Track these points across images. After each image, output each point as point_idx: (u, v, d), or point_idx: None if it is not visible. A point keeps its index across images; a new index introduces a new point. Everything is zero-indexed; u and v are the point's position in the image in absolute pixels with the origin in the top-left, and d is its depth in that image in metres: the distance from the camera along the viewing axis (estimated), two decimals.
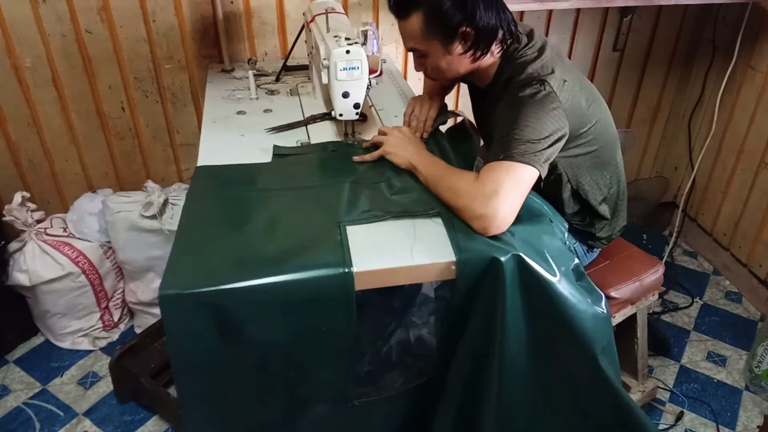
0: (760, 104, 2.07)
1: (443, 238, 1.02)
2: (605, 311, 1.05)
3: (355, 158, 1.28)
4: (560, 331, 1.03)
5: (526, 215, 1.09)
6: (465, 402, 1.13)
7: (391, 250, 1.00)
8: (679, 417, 1.74)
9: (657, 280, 1.50)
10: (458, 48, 1.20)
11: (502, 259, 0.97)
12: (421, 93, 1.54)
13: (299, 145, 1.36)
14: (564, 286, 1.01)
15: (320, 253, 0.97)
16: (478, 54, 1.21)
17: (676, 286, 2.26)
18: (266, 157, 1.31)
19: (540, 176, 1.09)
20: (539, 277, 1.00)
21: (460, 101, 2.18)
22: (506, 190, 1.03)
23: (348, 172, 1.23)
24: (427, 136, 1.38)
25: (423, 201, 1.12)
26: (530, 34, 1.25)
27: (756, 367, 1.81)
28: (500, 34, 1.21)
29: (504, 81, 1.22)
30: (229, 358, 0.99)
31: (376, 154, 1.27)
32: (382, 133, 1.32)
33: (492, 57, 1.24)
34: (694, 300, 2.20)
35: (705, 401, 1.80)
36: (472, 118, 1.48)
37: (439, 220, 1.06)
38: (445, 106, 1.47)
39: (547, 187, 1.27)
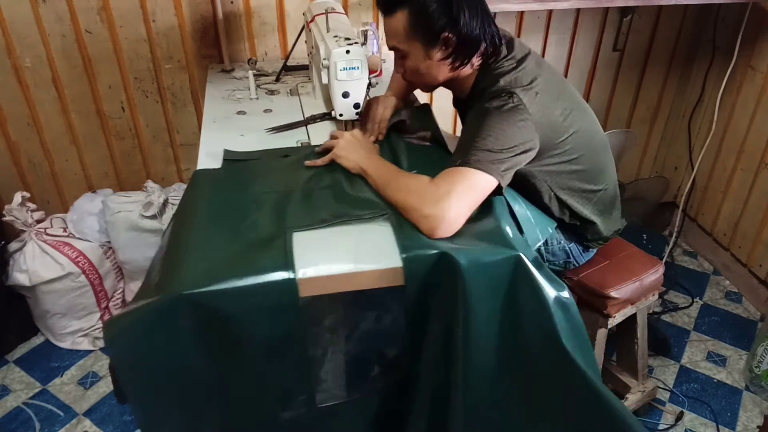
0: (760, 104, 2.07)
1: (390, 242, 1.01)
2: (569, 297, 1.04)
3: (307, 162, 1.26)
4: (526, 321, 1.03)
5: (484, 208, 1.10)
6: (435, 401, 1.12)
7: (338, 256, 0.99)
8: (679, 417, 1.74)
9: (657, 280, 1.50)
10: (438, 54, 1.20)
11: (455, 255, 0.96)
12: (420, 96, 1.55)
13: (300, 145, 1.36)
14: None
15: (265, 260, 0.96)
16: (458, 63, 1.21)
17: (676, 286, 2.26)
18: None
19: (500, 185, 1.08)
20: (507, 269, 0.99)
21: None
22: (458, 194, 1.03)
23: (298, 178, 1.21)
24: (382, 138, 1.36)
25: (373, 205, 1.10)
26: (510, 45, 1.25)
27: (756, 367, 1.81)
28: (482, 46, 1.20)
29: (479, 92, 1.22)
30: (186, 370, 0.98)
31: (327, 158, 1.25)
32: (333, 137, 1.30)
33: (471, 68, 1.24)
34: (694, 300, 2.21)
35: (705, 401, 1.80)
36: (446, 125, 1.47)
37: (387, 225, 1.05)
38: (402, 107, 1.46)
39: (525, 195, 1.27)
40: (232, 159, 1.29)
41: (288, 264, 0.95)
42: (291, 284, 0.94)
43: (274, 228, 1.04)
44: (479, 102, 1.18)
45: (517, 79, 1.17)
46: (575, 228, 1.39)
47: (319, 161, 1.26)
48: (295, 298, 0.94)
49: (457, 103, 1.44)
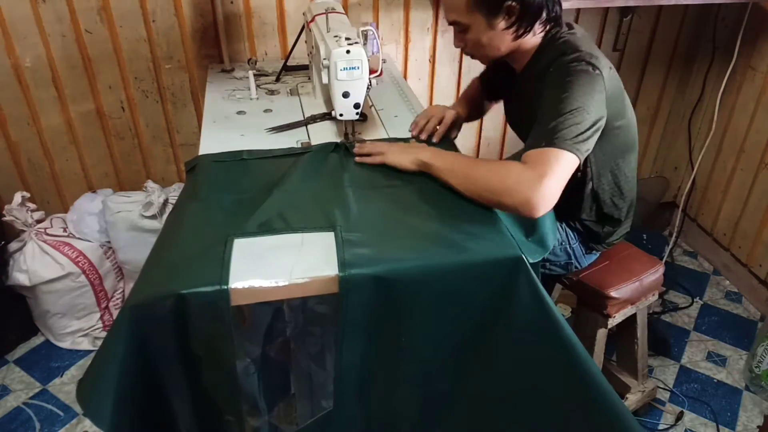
0: (760, 104, 2.07)
1: (330, 252, 0.98)
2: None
3: (357, 159, 1.25)
4: (520, 322, 1.02)
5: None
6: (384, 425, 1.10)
7: (274, 265, 0.96)
8: (679, 417, 1.74)
9: (657, 280, 1.50)
10: (501, 23, 1.19)
11: (394, 276, 0.95)
12: (420, 96, 1.54)
13: (299, 145, 1.36)
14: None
15: (200, 268, 0.95)
16: (521, 31, 1.21)
17: (676, 286, 2.26)
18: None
19: (579, 165, 1.09)
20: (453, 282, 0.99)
21: None
22: (554, 174, 1.04)
23: (249, 185, 1.19)
24: (437, 140, 1.36)
25: (329, 218, 1.07)
26: (569, 24, 1.26)
27: (756, 367, 1.81)
28: (545, 13, 1.20)
29: (548, 61, 1.20)
30: (135, 378, 0.96)
31: (377, 159, 1.23)
32: (378, 152, 1.26)
33: (534, 37, 1.23)
34: (694, 300, 2.20)
35: (705, 401, 1.80)
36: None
37: (331, 237, 1.02)
38: (461, 119, 1.45)
39: (570, 184, 1.24)
40: (192, 167, 1.27)
41: (223, 273, 0.93)
42: (223, 294, 0.91)
43: (215, 234, 1.02)
44: (551, 68, 1.17)
45: (593, 51, 1.17)
46: (591, 228, 1.38)
47: (369, 160, 1.24)
48: (226, 308, 0.92)
49: (506, 82, 1.41)
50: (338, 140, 1.37)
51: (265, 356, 1.12)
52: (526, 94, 1.26)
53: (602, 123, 1.13)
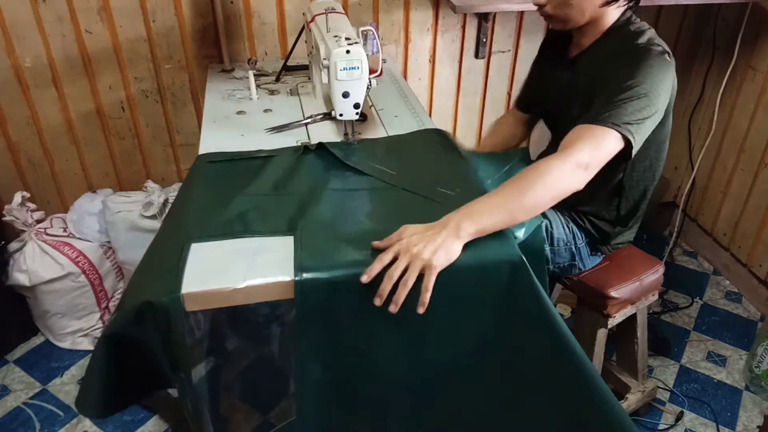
0: (760, 104, 2.07)
1: (288, 257, 0.96)
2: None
3: (374, 243, 0.99)
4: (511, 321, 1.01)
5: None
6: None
7: (229, 269, 0.94)
8: (679, 417, 1.74)
9: (657, 280, 1.50)
10: None
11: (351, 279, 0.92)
12: (420, 96, 1.53)
13: (299, 144, 1.36)
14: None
15: (157, 275, 0.94)
16: None
17: (676, 286, 2.26)
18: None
19: (630, 146, 1.07)
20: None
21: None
22: (588, 147, 1.03)
23: (234, 187, 1.16)
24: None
25: (282, 219, 1.05)
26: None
27: (756, 367, 1.81)
28: None
29: (617, 44, 1.19)
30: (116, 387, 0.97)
31: (416, 271, 0.94)
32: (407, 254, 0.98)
33: (612, 14, 1.21)
34: (694, 300, 2.20)
35: (705, 401, 1.80)
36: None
37: (290, 240, 0.99)
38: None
39: (603, 173, 1.12)
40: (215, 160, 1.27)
41: (177, 280, 0.91)
42: (175, 301, 0.89)
43: (176, 239, 1.00)
44: (622, 48, 1.16)
45: (662, 42, 1.16)
46: (599, 229, 1.37)
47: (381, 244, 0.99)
48: (179, 316, 0.90)
49: (561, 60, 1.36)
50: (335, 140, 1.37)
51: (223, 364, 1.09)
52: (586, 76, 1.22)
53: (662, 114, 1.12)
